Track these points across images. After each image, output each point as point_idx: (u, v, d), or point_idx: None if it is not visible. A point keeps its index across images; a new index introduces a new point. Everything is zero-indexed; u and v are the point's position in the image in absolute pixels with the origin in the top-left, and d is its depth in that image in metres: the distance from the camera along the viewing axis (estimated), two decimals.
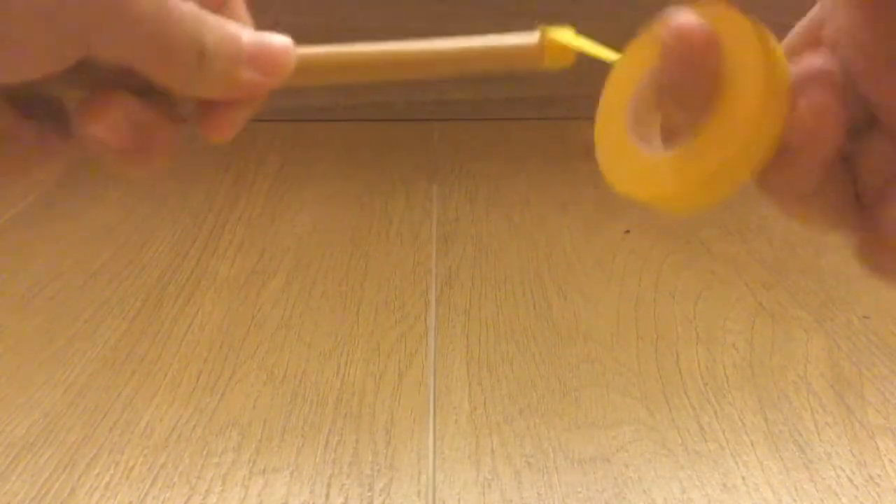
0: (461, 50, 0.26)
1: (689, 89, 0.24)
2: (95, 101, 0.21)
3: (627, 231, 0.60)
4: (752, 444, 0.39)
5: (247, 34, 0.23)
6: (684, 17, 0.23)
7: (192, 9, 0.21)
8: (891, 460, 0.38)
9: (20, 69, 0.20)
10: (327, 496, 0.36)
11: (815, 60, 0.24)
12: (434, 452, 0.39)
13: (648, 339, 0.48)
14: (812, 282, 0.54)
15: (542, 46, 0.27)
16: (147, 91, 0.22)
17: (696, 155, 0.23)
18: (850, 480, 0.37)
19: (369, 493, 0.36)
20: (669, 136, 0.26)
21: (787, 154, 0.23)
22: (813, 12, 0.26)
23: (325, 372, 0.45)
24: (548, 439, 0.39)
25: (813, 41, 0.26)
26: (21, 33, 0.19)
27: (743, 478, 0.37)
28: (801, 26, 0.26)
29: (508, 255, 0.58)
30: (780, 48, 0.23)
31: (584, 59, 0.33)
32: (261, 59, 0.23)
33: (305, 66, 0.24)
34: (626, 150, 0.26)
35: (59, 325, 0.50)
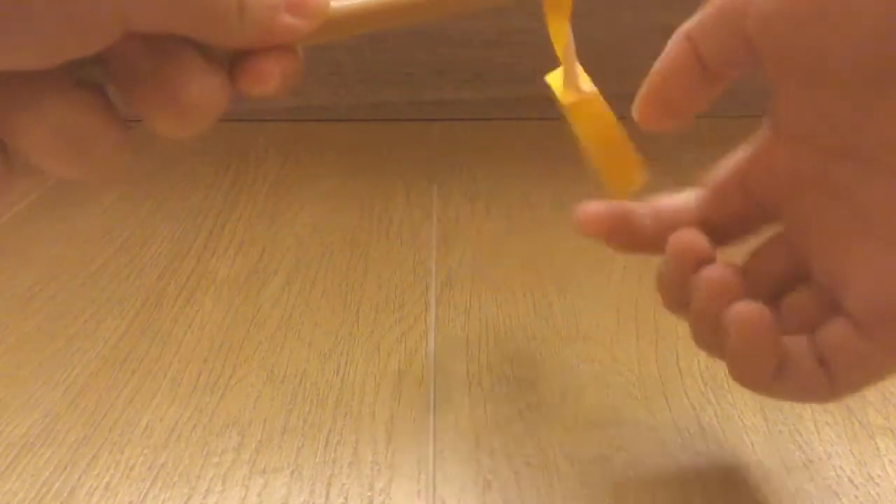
0: None
1: None
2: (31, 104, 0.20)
3: None
4: (752, 445, 0.39)
5: None
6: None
7: None
8: (891, 460, 0.38)
9: (62, 48, 0.19)
10: (327, 496, 0.36)
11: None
12: (434, 452, 0.39)
13: (648, 339, 0.47)
14: None
15: None
16: (93, 86, 0.21)
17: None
18: (850, 480, 0.37)
19: (369, 493, 0.36)
20: None
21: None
22: (737, 154, 0.29)
23: (325, 372, 0.45)
24: (548, 439, 0.39)
25: (738, 184, 0.30)
26: (60, 10, 0.19)
27: (743, 478, 0.37)
28: (726, 166, 0.29)
29: (508, 255, 0.58)
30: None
31: (585, 60, 0.33)
32: (298, 3, 0.23)
33: (333, 14, 0.25)
34: None
35: (59, 325, 0.50)
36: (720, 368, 0.45)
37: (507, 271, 0.56)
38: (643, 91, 0.29)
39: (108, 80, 0.22)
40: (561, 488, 0.36)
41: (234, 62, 0.24)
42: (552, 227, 0.62)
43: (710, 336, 0.29)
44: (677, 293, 0.30)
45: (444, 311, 0.51)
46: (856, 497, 0.36)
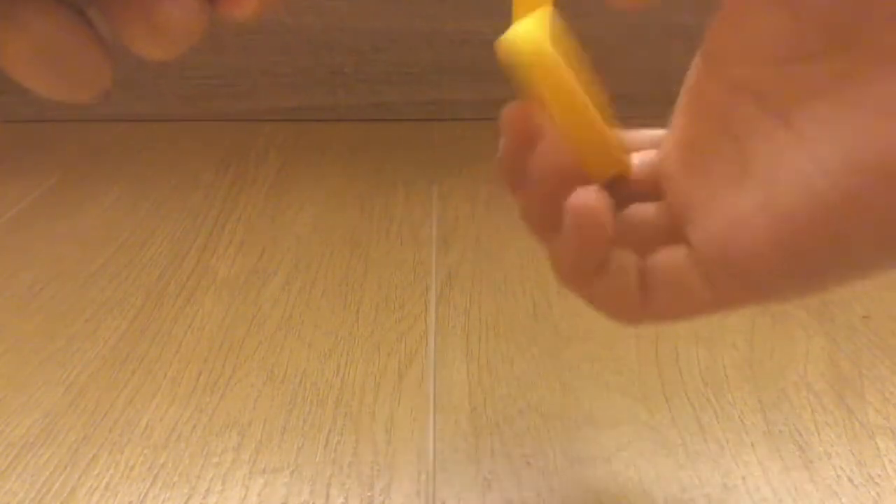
0: None
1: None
2: None
3: None
4: (752, 444, 0.39)
5: None
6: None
7: None
8: (891, 460, 0.38)
9: None
10: (327, 496, 0.36)
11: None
12: (434, 452, 0.39)
13: (648, 339, 0.48)
14: None
15: None
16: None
17: None
18: (850, 480, 0.37)
19: (369, 493, 0.36)
20: None
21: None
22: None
23: (325, 372, 0.45)
24: (548, 439, 0.39)
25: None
26: None
27: (743, 478, 0.37)
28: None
29: (508, 255, 0.58)
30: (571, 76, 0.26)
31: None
32: None
33: None
34: None
35: (59, 325, 0.50)
36: (720, 368, 0.45)
37: (507, 271, 0.56)
38: None
39: None
40: (561, 488, 0.36)
41: None
42: None
43: (541, 218, 0.28)
44: (517, 170, 0.29)
45: (444, 311, 0.51)
46: (856, 497, 0.36)
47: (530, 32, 0.26)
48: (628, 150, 0.29)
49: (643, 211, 0.28)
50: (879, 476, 0.37)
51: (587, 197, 0.25)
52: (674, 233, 0.27)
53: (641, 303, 0.26)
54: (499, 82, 0.87)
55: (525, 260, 0.57)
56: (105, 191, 0.70)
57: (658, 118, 0.31)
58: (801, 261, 0.22)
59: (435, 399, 0.43)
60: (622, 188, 0.29)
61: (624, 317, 0.28)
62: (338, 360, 0.46)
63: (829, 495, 0.36)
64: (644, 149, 0.30)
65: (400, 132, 0.84)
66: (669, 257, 0.26)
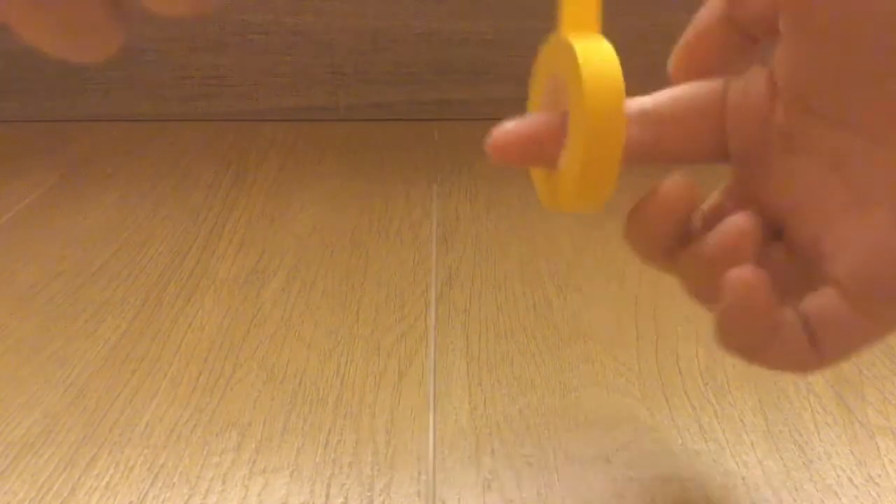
0: None
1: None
2: None
3: None
4: (752, 444, 0.39)
5: None
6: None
7: None
8: (891, 460, 0.38)
9: None
10: (327, 496, 0.36)
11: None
12: (434, 452, 0.39)
13: (648, 339, 0.48)
14: None
15: None
16: None
17: (562, 172, 0.27)
18: (850, 480, 0.37)
19: (369, 493, 0.36)
20: None
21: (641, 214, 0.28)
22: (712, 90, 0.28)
23: (325, 372, 0.45)
24: (548, 439, 0.39)
25: (714, 122, 0.28)
26: None
27: (743, 478, 0.37)
28: (702, 97, 0.28)
29: (508, 255, 0.58)
30: (610, 70, 0.25)
31: None
32: None
33: None
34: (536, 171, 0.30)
35: (59, 325, 0.50)
36: (720, 368, 0.45)
37: (507, 271, 0.56)
38: (678, 46, 0.29)
39: None
40: (561, 488, 0.36)
41: None
42: (552, 227, 0.62)
43: (706, 290, 0.28)
44: (666, 236, 0.28)
45: (444, 311, 0.51)
46: (856, 497, 0.36)
47: (608, 65, 0.25)
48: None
49: (773, 261, 0.27)
50: (879, 476, 0.37)
51: (746, 276, 0.25)
52: (805, 275, 0.26)
53: (816, 352, 0.26)
54: (499, 82, 0.87)
55: (525, 260, 0.57)
56: (105, 191, 0.70)
57: None
58: None
59: (435, 399, 0.43)
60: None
61: (802, 369, 0.27)
62: (338, 360, 0.46)
63: (829, 495, 0.36)
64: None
65: (400, 132, 0.84)
66: (824, 301, 0.26)
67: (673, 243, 0.29)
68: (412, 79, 0.87)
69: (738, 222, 0.26)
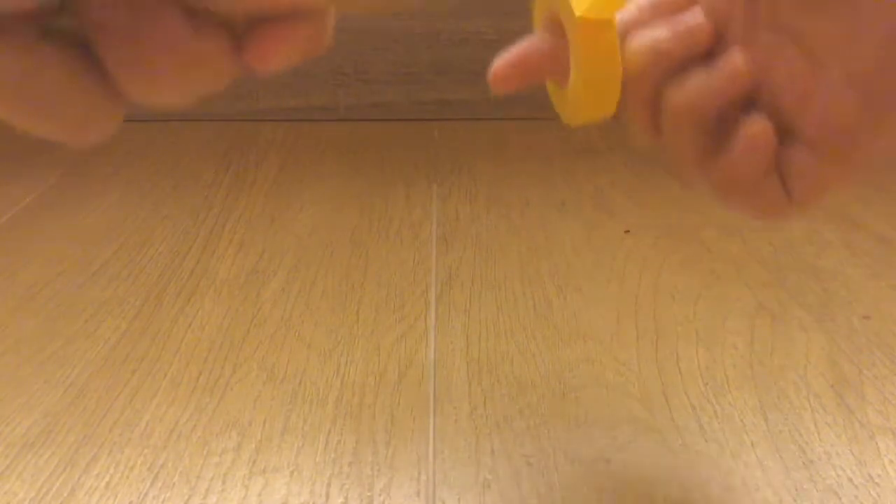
0: None
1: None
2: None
3: (627, 231, 0.60)
4: (752, 444, 0.39)
5: None
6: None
7: None
8: (891, 460, 0.38)
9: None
10: (327, 496, 0.36)
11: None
12: (434, 452, 0.39)
13: (648, 339, 0.48)
14: (812, 282, 0.54)
15: None
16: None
17: (570, 87, 0.30)
18: (850, 480, 0.37)
19: (369, 493, 0.36)
20: None
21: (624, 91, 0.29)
22: None
23: (325, 372, 0.45)
24: (548, 439, 0.39)
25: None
26: None
27: (743, 478, 0.37)
28: None
29: (508, 255, 0.58)
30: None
31: None
32: None
33: None
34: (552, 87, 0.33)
35: (59, 325, 0.50)
36: (720, 368, 0.45)
37: (507, 271, 0.56)
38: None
39: (79, 30, 0.19)
40: (561, 488, 0.36)
41: (249, 27, 0.20)
42: (552, 227, 0.62)
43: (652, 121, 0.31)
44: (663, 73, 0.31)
45: (444, 311, 0.51)
46: (856, 497, 0.36)
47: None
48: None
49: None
50: (879, 476, 0.37)
51: (760, 125, 0.28)
52: (775, 133, 0.29)
53: (787, 198, 0.30)
54: None
55: (525, 260, 0.57)
56: (105, 191, 0.70)
57: None
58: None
59: (435, 399, 0.43)
60: None
61: (777, 215, 0.31)
62: (338, 360, 0.46)
63: (829, 495, 0.36)
64: None
65: (400, 132, 0.84)
66: (793, 153, 0.29)
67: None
68: (412, 79, 0.87)
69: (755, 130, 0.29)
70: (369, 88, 0.87)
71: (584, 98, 0.29)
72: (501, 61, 0.31)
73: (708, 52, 0.30)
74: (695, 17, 0.29)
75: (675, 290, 0.53)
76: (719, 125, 0.29)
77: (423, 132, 0.84)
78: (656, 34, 0.29)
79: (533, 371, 0.45)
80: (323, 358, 0.46)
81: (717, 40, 0.30)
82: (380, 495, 0.36)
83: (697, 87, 0.29)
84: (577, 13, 0.27)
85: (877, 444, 0.39)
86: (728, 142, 0.29)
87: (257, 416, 0.41)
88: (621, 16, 0.30)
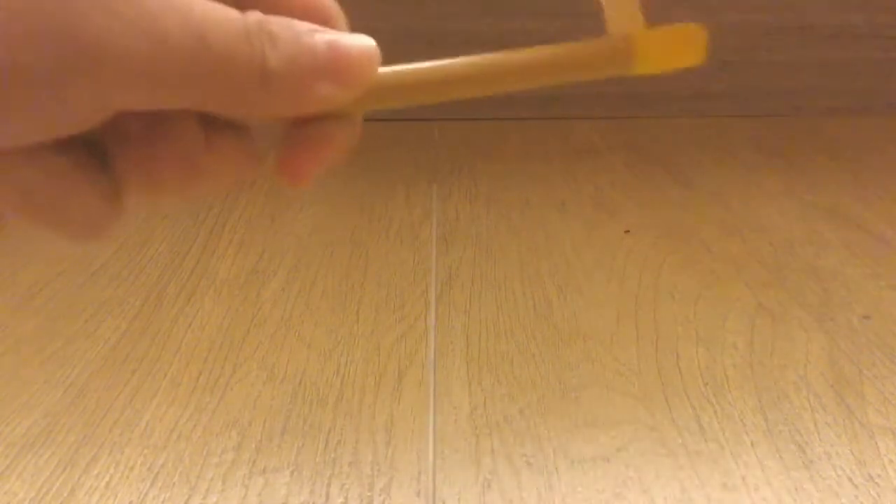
0: (550, 59, 0.23)
1: None
2: None
3: (627, 231, 0.60)
4: (752, 444, 0.39)
5: (319, 37, 0.19)
6: None
7: (227, 15, 0.17)
8: (891, 460, 0.38)
9: (23, 135, 0.17)
10: (327, 496, 0.36)
11: None
12: (434, 452, 0.39)
13: (648, 339, 0.48)
14: (812, 282, 0.54)
15: (632, 49, 0.26)
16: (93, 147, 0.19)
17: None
18: (850, 480, 0.37)
19: (369, 493, 0.36)
20: None
21: None
22: None
23: (325, 372, 0.45)
24: (548, 439, 0.39)
25: None
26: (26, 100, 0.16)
27: (743, 478, 0.37)
28: None
29: (508, 255, 0.58)
30: None
31: None
32: (338, 68, 0.19)
33: (380, 82, 0.21)
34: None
35: (59, 325, 0.50)
36: (720, 368, 0.45)
37: (507, 271, 0.56)
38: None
39: (92, 140, 0.19)
40: (561, 488, 0.36)
41: (287, 131, 0.20)
42: (552, 227, 0.62)
43: None
44: None
45: (444, 311, 0.51)
46: (856, 497, 0.36)
47: None
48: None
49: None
50: (879, 476, 0.37)
51: None
52: None
53: None
54: None
55: (525, 260, 0.57)
56: None
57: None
58: None
59: (435, 399, 0.43)
60: None
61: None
62: (338, 360, 0.46)
63: (829, 495, 0.36)
64: None
65: (400, 132, 0.84)
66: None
67: None
68: None
69: None
70: None
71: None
72: None
73: None
74: None
75: (675, 290, 0.53)
76: None
77: (423, 132, 0.84)
78: None
79: (533, 371, 0.45)
80: (323, 358, 0.46)
81: None
82: (380, 495, 0.36)
83: None
84: None
85: (877, 444, 0.39)
86: None
87: (257, 416, 0.41)
88: None
